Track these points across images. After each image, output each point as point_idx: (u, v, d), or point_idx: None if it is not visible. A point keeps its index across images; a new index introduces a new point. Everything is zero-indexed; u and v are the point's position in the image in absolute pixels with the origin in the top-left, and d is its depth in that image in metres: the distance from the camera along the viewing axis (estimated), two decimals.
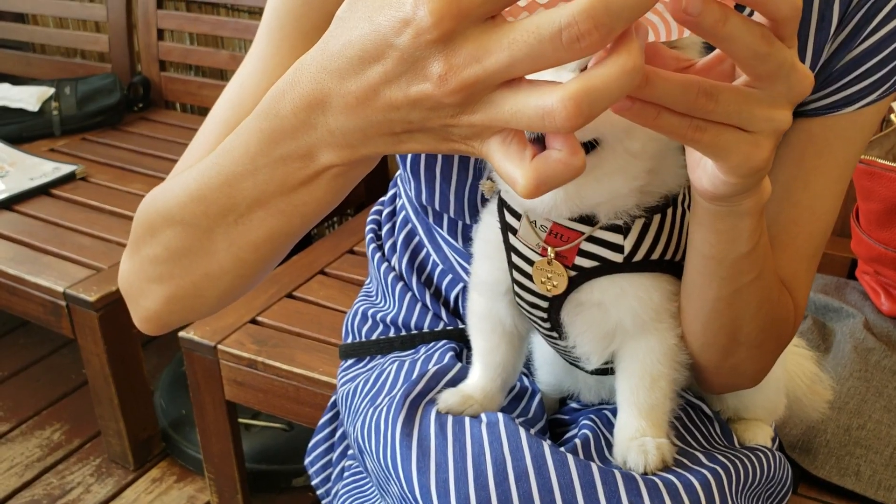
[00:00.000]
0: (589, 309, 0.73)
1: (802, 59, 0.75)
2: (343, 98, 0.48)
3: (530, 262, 0.73)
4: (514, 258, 0.74)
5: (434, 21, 0.41)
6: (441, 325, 1.00)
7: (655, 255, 0.71)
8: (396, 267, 1.06)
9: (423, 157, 0.88)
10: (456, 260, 0.98)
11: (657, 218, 0.71)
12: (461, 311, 0.98)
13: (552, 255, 0.71)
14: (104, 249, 1.85)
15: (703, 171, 0.58)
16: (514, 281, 0.75)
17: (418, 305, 1.02)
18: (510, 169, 0.45)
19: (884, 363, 1.33)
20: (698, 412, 0.87)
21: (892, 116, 1.49)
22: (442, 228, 0.97)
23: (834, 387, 1.08)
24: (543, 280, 0.72)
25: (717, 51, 0.50)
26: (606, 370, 0.81)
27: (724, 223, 0.63)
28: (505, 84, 0.43)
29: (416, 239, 1.04)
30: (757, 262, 0.68)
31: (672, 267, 0.73)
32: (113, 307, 1.73)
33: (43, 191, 2.09)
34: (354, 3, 0.47)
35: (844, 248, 1.66)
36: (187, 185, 0.63)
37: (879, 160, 1.40)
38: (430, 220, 0.98)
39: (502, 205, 0.74)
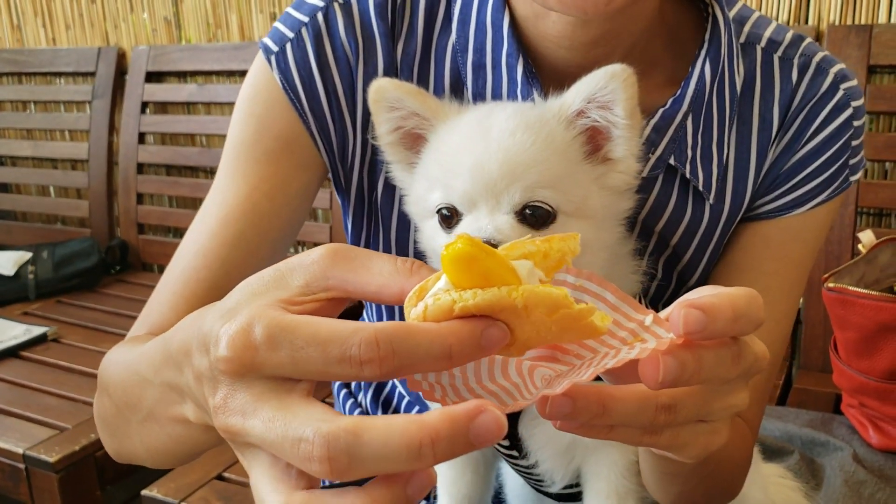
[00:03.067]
0: (545, 421, 0.70)
1: (746, 161, 0.75)
2: (190, 367, 0.47)
3: None
4: None
5: (226, 357, 0.41)
6: None
7: None
8: (362, 403, 1.03)
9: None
10: None
11: None
12: None
13: None
14: (70, 409, 1.79)
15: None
16: None
17: None
18: (266, 491, 0.41)
19: (878, 496, 1.27)
20: None
21: (860, 246, 1.49)
22: None
23: None
24: None
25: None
26: (573, 495, 0.77)
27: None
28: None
29: None
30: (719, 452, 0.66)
31: None
32: (75, 468, 1.64)
33: (12, 353, 2.05)
34: (245, 288, 0.45)
35: (828, 384, 1.62)
36: (119, 371, 0.65)
37: (851, 287, 1.39)
38: None
39: None
